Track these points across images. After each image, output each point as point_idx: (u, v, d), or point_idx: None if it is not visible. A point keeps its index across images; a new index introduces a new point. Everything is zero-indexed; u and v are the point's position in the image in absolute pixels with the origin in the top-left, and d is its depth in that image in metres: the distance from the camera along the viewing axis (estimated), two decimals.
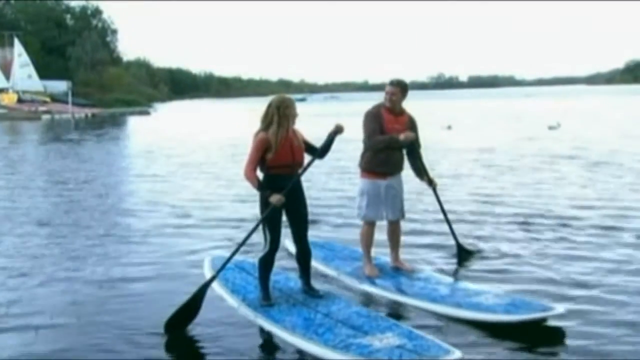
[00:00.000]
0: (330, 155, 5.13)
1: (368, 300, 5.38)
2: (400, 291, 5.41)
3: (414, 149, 5.73)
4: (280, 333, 4.57)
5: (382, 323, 4.54)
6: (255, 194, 4.97)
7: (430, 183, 5.91)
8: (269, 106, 4.77)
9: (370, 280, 5.63)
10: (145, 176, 14.09)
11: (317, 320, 4.62)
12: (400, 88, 5.55)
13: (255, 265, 5.20)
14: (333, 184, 11.89)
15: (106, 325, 4.86)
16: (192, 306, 4.75)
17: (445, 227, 6.54)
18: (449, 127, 26.13)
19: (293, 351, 4.39)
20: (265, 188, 4.74)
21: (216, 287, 5.33)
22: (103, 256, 6.95)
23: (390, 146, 5.52)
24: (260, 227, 4.87)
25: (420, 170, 5.87)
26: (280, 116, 4.71)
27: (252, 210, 6.95)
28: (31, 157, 20.64)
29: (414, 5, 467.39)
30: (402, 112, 5.63)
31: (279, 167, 4.73)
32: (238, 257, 6.05)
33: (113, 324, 4.88)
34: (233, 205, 9.90)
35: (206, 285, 4.89)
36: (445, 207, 6.31)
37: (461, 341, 4.39)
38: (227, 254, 6.13)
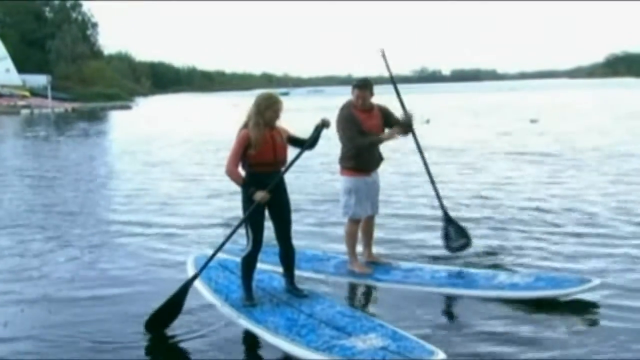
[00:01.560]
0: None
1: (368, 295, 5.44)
2: (405, 281, 5.51)
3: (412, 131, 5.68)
4: (262, 334, 4.50)
5: (366, 323, 4.50)
6: (236, 191, 4.89)
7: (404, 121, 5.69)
8: (254, 104, 4.74)
9: (367, 276, 5.66)
10: (120, 174, 13.98)
11: (301, 321, 4.57)
12: (368, 90, 5.58)
13: (238, 264, 5.13)
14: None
15: (84, 327, 4.79)
16: (174, 304, 4.67)
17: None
18: (428, 121, 26.14)
19: (276, 352, 4.33)
20: (247, 185, 4.71)
21: (199, 286, 5.27)
22: (73, 258, 6.77)
23: (374, 145, 5.60)
24: (243, 226, 4.81)
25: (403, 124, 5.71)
26: (259, 115, 4.67)
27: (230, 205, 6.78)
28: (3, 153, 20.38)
29: (397, 2, 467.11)
30: (372, 107, 5.67)
31: (260, 164, 4.68)
32: (222, 256, 5.94)
33: (91, 326, 4.81)
34: (214, 203, 9.80)
35: (188, 284, 4.82)
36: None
37: (446, 339, 4.41)
38: (210, 252, 6.22)
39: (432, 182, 5.93)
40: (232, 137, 4.80)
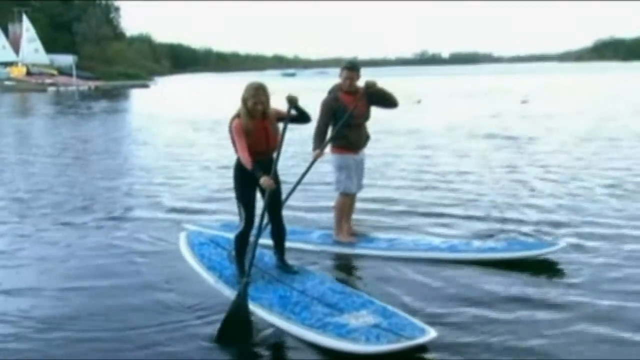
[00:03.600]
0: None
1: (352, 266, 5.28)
2: (391, 249, 5.46)
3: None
4: (257, 311, 4.27)
5: (356, 299, 4.32)
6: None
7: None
8: (242, 95, 4.50)
9: (352, 244, 5.62)
10: (131, 146, 13.81)
11: (293, 298, 4.39)
12: (356, 71, 5.48)
13: (230, 241, 4.98)
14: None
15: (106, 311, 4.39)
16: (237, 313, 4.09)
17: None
18: (419, 102, 25.88)
19: (271, 327, 4.08)
20: (239, 171, 4.54)
21: (193, 263, 5.09)
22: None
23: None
24: (236, 204, 4.65)
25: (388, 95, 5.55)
26: (244, 105, 4.46)
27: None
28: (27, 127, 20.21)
29: None
30: (356, 90, 5.51)
31: (254, 153, 4.45)
32: (213, 232, 5.88)
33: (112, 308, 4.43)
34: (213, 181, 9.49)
35: (242, 294, 4.19)
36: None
37: (432, 311, 4.27)
38: (201, 229, 6.02)
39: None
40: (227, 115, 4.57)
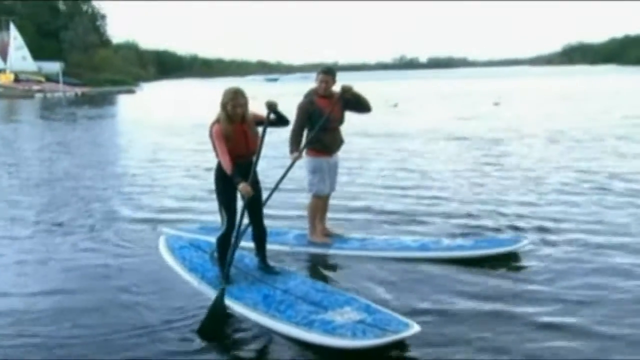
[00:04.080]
0: None
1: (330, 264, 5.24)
2: (364, 248, 5.47)
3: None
4: (242, 310, 4.23)
5: (339, 297, 4.29)
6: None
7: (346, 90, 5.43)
8: (220, 100, 4.46)
9: (326, 244, 5.61)
10: (109, 150, 13.62)
11: (277, 297, 4.34)
12: (332, 75, 5.49)
13: (210, 243, 4.96)
14: None
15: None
16: (216, 315, 4.18)
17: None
18: (395, 105, 26.01)
19: (255, 327, 4.04)
20: (220, 174, 4.50)
21: (174, 266, 5.03)
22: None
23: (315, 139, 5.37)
24: (217, 207, 4.61)
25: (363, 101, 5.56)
26: (223, 110, 4.43)
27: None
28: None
29: None
30: (332, 95, 5.51)
31: (234, 156, 4.42)
32: (192, 236, 5.82)
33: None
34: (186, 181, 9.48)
35: (221, 292, 4.29)
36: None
37: (408, 304, 4.32)
38: (180, 232, 5.95)
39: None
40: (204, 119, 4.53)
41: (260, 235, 4.86)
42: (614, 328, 3.88)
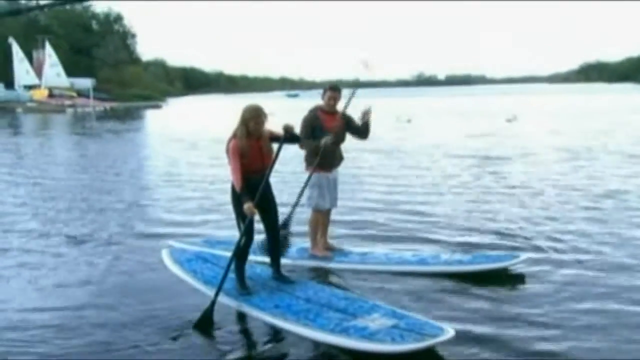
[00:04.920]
0: None
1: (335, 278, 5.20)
2: (364, 262, 5.44)
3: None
4: (270, 320, 4.19)
5: (363, 304, 4.26)
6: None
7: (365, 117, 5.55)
8: (240, 115, 4.51)
9: (328, 258, 5.58)
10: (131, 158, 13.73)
11: (302, 306, 4.32)
12: (339, 92, 5.56)
13: (216, 256, 4.98)
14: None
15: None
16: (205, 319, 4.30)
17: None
18: (409, 121, 25.96)
19: (277, 332, 4.05)
20: (247, 201, 4.46)
21: (187, 279, 4.98)
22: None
23: (317, 149, 5.42)
24: (235, 221, 4.63)
25: (364, 126, 5.60)
26: (244, 125, 4.45)
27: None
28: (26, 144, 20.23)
29: (395, 6, 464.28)
30: (336, 112, 5.58)
31: (250, 171, 4.46)
32: (196, 249, 5.79)
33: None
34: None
35: (213, 304, 4.35)
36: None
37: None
38: (184, 245, 5.93)
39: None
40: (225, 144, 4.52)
41: (275, 246, 4.85)
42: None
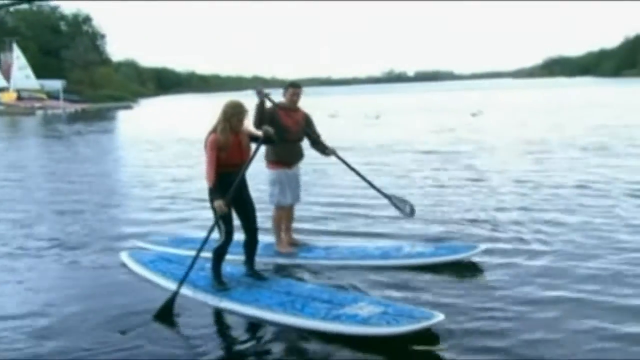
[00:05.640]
0: None
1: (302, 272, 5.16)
2: (329, 257, 5.41)
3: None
4: (254, 313, 4.12)
5: (346, 295, 4.25)
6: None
7: (327, 151, 5.71)
8: (222, 111, 4.49)
9: (292, 254, 5.55)
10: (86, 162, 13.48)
11: (284, 298, 4.24)
12: (301, 89, 5.60)
13: (179, 256, 5.00)
14: None
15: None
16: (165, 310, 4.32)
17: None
18: (377, 117, 26.10)
19: (254, 325, 4.01)
20: (215, 187, 4.44)
21: (155, 279, 4.88)
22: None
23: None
24: (214, 220, 4.55)
25: (323, 147, 5.73)
26: (226, 121, 4.43)
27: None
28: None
29: (365, 6, 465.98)
30: (297, 109, 5.58)
31: (228, 165, 4.45)
32: (157, 249, 5.69)
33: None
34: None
35: (175, 295, 4.37)
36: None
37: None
38: (150, 245, 5.85)
39: (366, 180, 5.80)
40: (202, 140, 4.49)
41: (252, 243, 4.82)
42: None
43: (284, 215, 5.71)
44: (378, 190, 5.83)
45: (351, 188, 9.15)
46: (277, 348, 3.77)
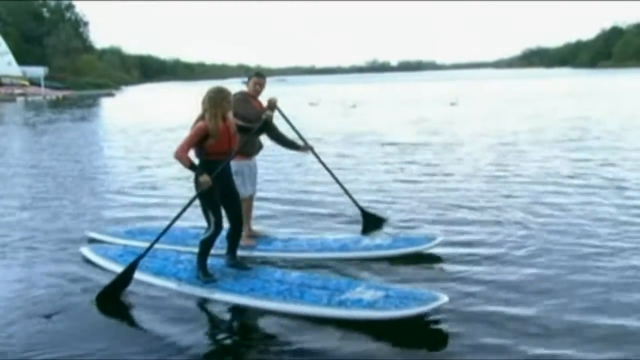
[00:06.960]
0: None
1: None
2: (287, 250, 5.29)
3: (269, 128, 5.41)
4: (250, 302, 3.93)
5: (341, 281, 4.11)
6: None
7: (307, 147, 5.67)
8: (206, 96, 4.35)
9: (251, 247, 5.38)
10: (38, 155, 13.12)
11: (278, 287, 4.05)
12: (264, 80, 5.51)
13: (145, 248, 4.67)
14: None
15: None
16: (122, 280, 4.34)
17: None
18: (354, 106, 25.94)
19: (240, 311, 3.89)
20: (202, 173, 4.27)
21: (138, 276, 4.53)
22: None
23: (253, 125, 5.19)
24: (203, 211, 4.44)
25: (292, 143, 5.66)
26: (216, 107, 4.29)
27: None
28: None
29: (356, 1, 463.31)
30: (259, 100, 5.42)
31: (217, 153, 4.35)
32: (124, 243, 5.50)
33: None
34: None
35: (135, 263, 4.37)
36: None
37: None
38: (104, 236, 5.62)
39: (339, 184, 5.90)
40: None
41: (236, 234, 4.68)
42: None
43: (245, 206, 5.52)
44: (353, 200, 5.91)
45: (310, 176, 8.90)
46: (272, 338, 3.62)
